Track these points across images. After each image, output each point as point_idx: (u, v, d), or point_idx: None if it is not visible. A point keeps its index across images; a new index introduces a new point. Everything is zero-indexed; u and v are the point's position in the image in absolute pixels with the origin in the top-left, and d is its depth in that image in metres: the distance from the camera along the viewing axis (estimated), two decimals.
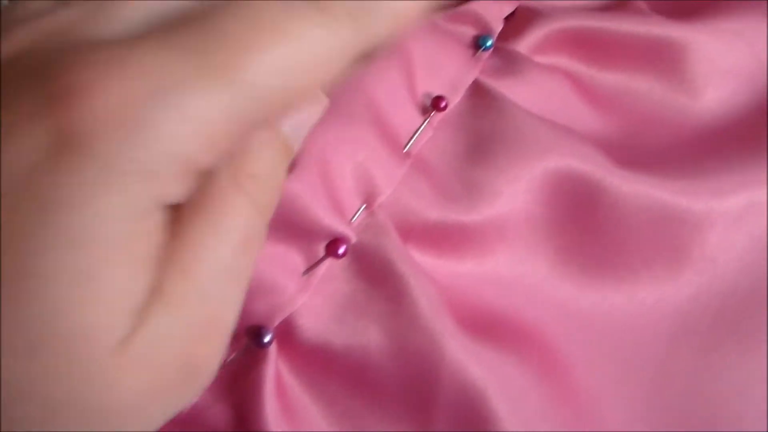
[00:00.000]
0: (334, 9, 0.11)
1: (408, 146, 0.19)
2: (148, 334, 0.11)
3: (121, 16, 0.12)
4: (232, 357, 0.17)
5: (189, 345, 0.11)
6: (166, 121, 0.10)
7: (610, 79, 0.22)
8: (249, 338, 0.17)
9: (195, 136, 0.11)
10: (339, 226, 0.17)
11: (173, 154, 0.10)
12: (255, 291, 0.16)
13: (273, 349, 0.17)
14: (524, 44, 0.22)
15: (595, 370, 0.20)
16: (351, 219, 0.18)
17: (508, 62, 0.21)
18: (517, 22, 0.23)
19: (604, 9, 0.23)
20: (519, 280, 0.19)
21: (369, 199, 0.18)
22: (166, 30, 0.11)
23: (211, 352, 0.12)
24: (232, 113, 0.11)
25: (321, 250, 0.17)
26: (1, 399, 0.10)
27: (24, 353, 0.10)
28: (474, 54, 0.21)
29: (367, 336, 0.17)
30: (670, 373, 0.20)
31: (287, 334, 0.17)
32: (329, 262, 0.17)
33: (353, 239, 0.17)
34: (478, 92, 0.20)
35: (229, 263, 0.12)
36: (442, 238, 0.19)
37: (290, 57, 0.11)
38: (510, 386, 0.18)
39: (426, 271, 0.18)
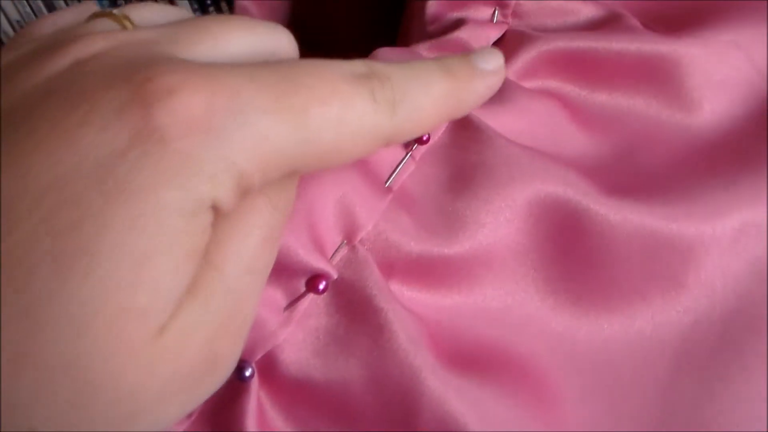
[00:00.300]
0: (380, 94, 0.13)
1: (389, 181, 0.19)
2: (180, 323, 0.12)
3: (196, 50, 0.13)
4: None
5: (213, 337, 0.12)
6: (238, 134, 0.12)
7: (603, 99, 0.22)
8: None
9: (257, 155, 0.12)
10: (319, 263, 0.18)
11: (236, 165, 0.12)
12: None
13: (254, 383, 0.17)
14: (512, 69, 0.22)
15: (589, 404, 0.19)
16: (331, 255, 0.18)
17: None
18: (504, 46, 0.22)
19: (594, 28, 0.23)
20: (508, 313, 0.19)
21: (350, 235, 0.18)
22: (245, 66, 0.12)
23: (232, 345, 0.13)
24: (289, 148, 0.12)
25: (301, 285, 0.18)
26: (40, 376, 0.11)
27: (74, 330, 0.11)
28: None
29: (348, 370, 0.18)
30: (672, 404, 0.20)
31: (269, 368, 0.18)
32: (310, 297, 0.18)
33: (334, 275, 0.18)
34: (461, 123, 0.20)
35: (252, 260, 0.13)
36: (426, 271, 0.19)
37: (342, 118, 0.13)
38: (493, 421, 0.18)
39: (410, 305, 0.19)
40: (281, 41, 0.15)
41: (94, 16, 0.15)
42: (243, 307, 0.13)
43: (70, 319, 0.11)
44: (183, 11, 0.17)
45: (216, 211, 0.12)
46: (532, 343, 0.19)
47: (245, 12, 0.29)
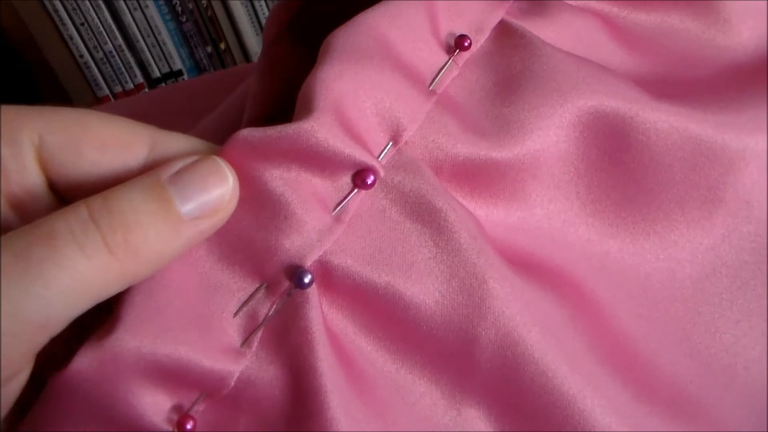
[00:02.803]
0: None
1: (433, 84, 0.19)
2: None
3: None
4: (275, 307, 0.16)
5: None
6: None
7: (643, 19, 0.22)
8: (289, 280, 0.16)
9: None
10: (363, 157, 0.17)
11: None
12: (282, 225, 0.16)
13: (314, 291, 0.16)
14: None
15: (627, 312, 0.19)
16: (379, 155, 0.17)
17: (536, 4, 0.21)
18: None
19: None
20: (549, 221, 0.19)
21: (395, 137, 0.18)
22: None
23: None
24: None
25: (348, 182, 0.17)
26: None
27: None
28: None
29: (411, 273, 0.17)
30: (699, 314, 0.20)
31: (326, 276, 0.17)
32: (361, 196, 0.17)
33: (381, 172, 0.17)
34: (505, 32, 0.20)
35: None
36: (473, 175, 0.18)
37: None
38: (551, 322, 0.17)
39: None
40: None
41: None
42: None
43: None
44: None
45: None
46: (570, 253, 0.19)
47: None
